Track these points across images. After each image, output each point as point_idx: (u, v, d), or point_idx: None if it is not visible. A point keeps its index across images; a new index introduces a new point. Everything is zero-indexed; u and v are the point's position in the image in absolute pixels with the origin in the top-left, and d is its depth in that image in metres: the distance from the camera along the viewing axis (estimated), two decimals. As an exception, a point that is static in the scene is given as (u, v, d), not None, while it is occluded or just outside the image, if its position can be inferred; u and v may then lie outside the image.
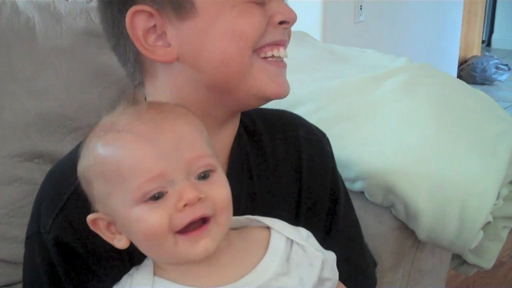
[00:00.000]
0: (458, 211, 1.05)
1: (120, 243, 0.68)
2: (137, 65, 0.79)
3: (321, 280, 0.73)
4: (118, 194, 0.64)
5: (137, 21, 0.74)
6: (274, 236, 0.71)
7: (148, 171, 0.63)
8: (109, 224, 0.68)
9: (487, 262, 1.24)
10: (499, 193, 1.08)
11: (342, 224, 0.93)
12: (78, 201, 0.72)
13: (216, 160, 0.67)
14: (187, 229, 0.64)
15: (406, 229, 1.13)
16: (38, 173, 1.16)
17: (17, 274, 1.11)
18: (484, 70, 4.47)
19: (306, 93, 1.22)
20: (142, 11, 0.74)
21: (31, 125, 1.16)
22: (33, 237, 0.77)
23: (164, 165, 0.63)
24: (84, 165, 0.68)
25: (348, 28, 2.72)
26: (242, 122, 0.87)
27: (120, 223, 0.67)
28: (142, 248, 0.67)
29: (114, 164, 0.64)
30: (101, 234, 0.69)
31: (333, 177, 0.93)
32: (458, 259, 1.28)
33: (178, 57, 0.75)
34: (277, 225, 0.73)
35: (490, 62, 4.52)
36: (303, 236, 0.74)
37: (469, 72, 4.44)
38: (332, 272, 0.75)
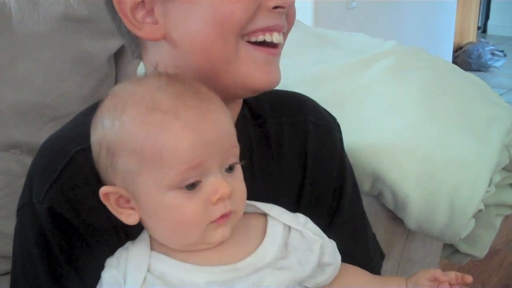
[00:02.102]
0: (448, 199, 1.03)
1: (130, 218, 0.68)
2: (131, 40, 0.79)
3: (321, 265, 0.73)
4: (151, 175, 0.64)
5: None
6: (271, 222, 0.72)
7: (191, 159, 0.64)
8: (120, 197, 0.67)
9: (480, 251, 1.23)
10: (491, 180, 1.06)
11: (346, 215, 0.91)
12: (73, 172, 0.71)
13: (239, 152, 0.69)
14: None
15: (395, 218, 1.11)
16: (15, 164, 1.14)
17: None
18: (479, 56, 4.46)
19: (292, 78, 1.19)
20: None
21: (8, 114, 1.14)
22: (25, 207, 0.74)
23: (205, 155, 0.64)
24: (112, 135, 0.66)
25: (340, 14, 2.70)
26: (248, 104, 0.86)
27: (143, 202, 0.66)
28: (163, 232, 0.68)
29: (156, 147, 0.64)
30: (109, 207, 0.68)
31: (340, 165, 0.91)
32: (451, 248, 1.27)
33: (165, 35, 0.74)
34: (273, 211, 0.73)
35: (486, 49, 4.51)
36: (300, 221, 0.74)
37: (465, 58, 4.43)
38: (333, 258, 0.75)
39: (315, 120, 0.90)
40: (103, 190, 0.67)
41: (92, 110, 0.71)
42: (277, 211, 0.73)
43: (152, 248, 0.69)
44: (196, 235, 0.66)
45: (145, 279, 0.66)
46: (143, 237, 0.70)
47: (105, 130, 0.67)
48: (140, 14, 0.74)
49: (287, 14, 0.77)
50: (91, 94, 1.22)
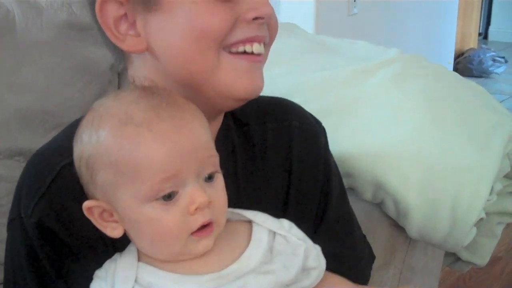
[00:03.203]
0: (450, 207, 1.03)
1: (115, 232, 0.68)
2: (117, 52, 0.79)
3: (306, 269, 0.73)
4: (128, 188, 0.65)
5: (108, 9, 0.74)
6: (256, 229, 0.72)
7: (165, 170, 0.64)
8: (104, 211, 0.68)
9: (482, 258, 1.22)
10: (492, 188, 1.06)
11: (333, 216, 0.91)
12: (61, 185, 0.72)
13: (218, 161, 0.69)
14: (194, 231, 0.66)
15: (396, 226, 1.11)
16: (19, 171, 1.12)
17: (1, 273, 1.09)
18: (480, 62, 4.46)
19: (293, 85, 1.19)
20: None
21: (11, 121, 1.14)
22: (14, 221, 0.75)
23: (180, 165, 0.64)
24: (89, 151, 0.67)
25: (342, 21, 2.70)
26: (231, 113, 0.85)
27: (124, 215, 0.67)
28: (143, 244, 0.68)
29: (131, 160, 0.64)
30: (94, 222, 0.68)
31: (326, 168, 0.91)
32: (452, 256, 1.26)
33: (147, 48, 0.74)
34: (258, 218, 0.73)
35: (487, 55, 4.51)
36: (285, 227, 0.74)
37: (466, 64, 4.43)
38: (317, 261, 0.75)
39: (300, 125, 0.90)
40: (86, 204, 0.68)
41: (75, 125, 0.72)
42: (262, 218, 0.73)
43: (139, 259, 0.69)
44: (177, 246, 0.66)
45: None
46: (131, 248, 0.71)
47: (83, 145, 0.67)
48: (123, 27, 0.74)
49: (268, 25, 0.76)
50: (93, 101, 1.20)
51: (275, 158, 0.88)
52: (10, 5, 1.19)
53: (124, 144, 0.64)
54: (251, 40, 0.74)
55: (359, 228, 0.96)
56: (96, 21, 0.77)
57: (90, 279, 0.71)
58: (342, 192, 0.94)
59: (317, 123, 0.94)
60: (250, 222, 0.73)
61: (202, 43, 0.72)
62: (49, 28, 1.20)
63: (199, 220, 0.65)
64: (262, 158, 0.87)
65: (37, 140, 1.15)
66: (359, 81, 1.19)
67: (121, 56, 0.79)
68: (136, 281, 0.67)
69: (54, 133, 1.16)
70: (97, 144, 0.66)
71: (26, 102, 1.15)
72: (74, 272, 0.73)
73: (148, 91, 0.69)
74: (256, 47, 0.75)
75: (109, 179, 0.66)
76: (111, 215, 0.68)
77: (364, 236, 0.97)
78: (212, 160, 0.67)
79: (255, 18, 0.73)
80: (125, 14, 0.74)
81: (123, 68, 0.82)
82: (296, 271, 0.71)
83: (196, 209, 0.64)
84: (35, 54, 1.17)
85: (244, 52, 0.75)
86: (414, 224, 1.06)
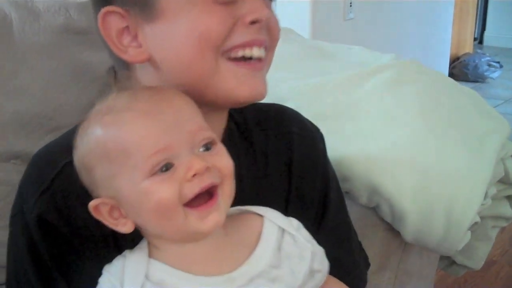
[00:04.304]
0: (444, 212, 1.03)
1: (125, 227, 0.68)
2: (121, 63, 0.80)
3: (311, 272, 0.73)
4: (124, 173, 0.65)
5: (110, 22, 0.75)
6: (267, 224, 0.72)
7: (154, 144, 0.64)
8: (112, 209, 0.68)
9: (477, 262, 1.23)
10: (487, 192, 1.06)
11: (332, 221, 0.91)
12: (63, 182, 0.73)
13: (214, 134, 0.68)
14: (196, 203, 0.65)
15: (392, 230, 1.11)
16: (15, 174, 1.13)
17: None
18: (476, 67, 4.47)
19: (290, 90, 1.20)
20: (113, 12, 0.75)
21: (8, 125, 1.14)
22: (16, 217, 0.76)
23: (168, 138, 0.64)
24: (83, 152, 0.68)
25: (338, 26, 2.71)
26: (232, 118, 0.86)
27: (127, 202, 0.66)
28: (151, 224, 0.67)
29: (118, 143, 0.65)
30: (103, 221, 0.69)
31: (324, 174, 0.92)
32: (447, 260, 1.27)
33: (149, 58, 0.75)
34: (269, 213, 0.74)
35: (482, 60, 4.53)
36: (294, 226, 0.74)
37: (461, 69, 4.45)
38: (322, 264, 0.75)
39: (299, 131, 0.91)
40: (92, 204, 0.68)
41: (78, 126, 0.73)
42: (273, 214, 0.74)
43: (150, 256, 0.69)
44: (179, 220, 0.64)
45: (143, 286, 0.67)
46: (142, 245, 0.71)
47: (79, 150, 0.69)
48: (126, 39, 0.76)
49: (268, 28, 0.77)
50: (90, 105, 1.21)
51: (276, 163, 0.88)
52: (7, 9, 1.19)
53: (108, 130, 0.66)
54: (250, 44, 0.74)
55: (356, 234, 0.97)
56: (97, 29, 0.78)
57: (91, 275, 0.70)
58: (341, 198, 0.95)
59: (316, 129, 0.94)
60: (261, 217, 0.73)
61: (202, 45, 0.72)
62: (46, 32, 1.20)
63: (197, 186, 0.64)
64: (264, 163, 0.88)
65: (33, 143, 1.16)
66: (354, 86, 1.20)
67: (125, 67, 0.80)
68: (146, 277, 0.67)
69: (50, 137, 1.16)
70: (87, 142, 0.67)
71: (22, 105, 1.15)
72: (75, 267, 0.74)
73: (146, 87, 0.71)
74: (256, 51, 0.75)
75: (105, 171, 0.66)
76: (120, 212, 0.68)
77: (360, 243, 0.98)
78: (203, 133, 0.67)
79: (253, 22, 0.74)
80: (127, 27, 0.75)
81: (125, 78, 0.83)
82: (303, 276, 0.71)
83: (194, 175, 0.63)
84: (32, 58, 1.17)
85: (243, 59, 0.75)
86: (409, 228, 1.06)
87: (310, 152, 0.91)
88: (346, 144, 1.07)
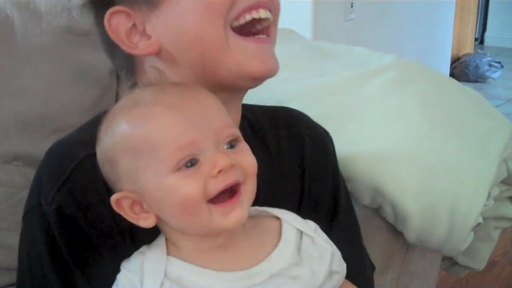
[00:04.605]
0: (448, 212, 1.03)
1: (147, 222, 0.68)
2: (130, 68, 0.82)
3: (330, 273, 0.73)
4: (149, 167, 0.65)
5: (117, 22, 0.77)
6: (285, 226, 0.72)
7: (180, 139, 0.64)
8: (134, 203, 0.68)
9: (479, 263, 1.23)
10: (489, 193, 1.06)
11: (342, 223, 0.92)
12: (82, 175, 0.73)
13: (239, 132, 0.69)
14: (218, 200, 0.65)
15: (395, 231, 1.11)
16: (18, 176, 1.14)
17: (1, 278, 1.09)
18: (477, 67, 4.47)
19: (292, 91, 1.20)
20: (118, 11, 0.76)
21: (10, 126, 1.14)
22: (33, 209, 0.76)
23: (194, 134, 0.64)
24: (107, 145, 0.68)
25: (339, 26, 2.70)
26: (246, 118, 0.87)
27: (150, 196, 0.66)
28: (175, 219, 0.67)
29: (145, 137, 0.65)
30: (124, 215, 0.69)
31: (335, 176, 0.93)
32: (449, 260, 1.27)
33: (159, 47, 0.76)
34: (287, 216, 0.74)
35: (483, 60, 4.53)
36: (311, 228, 0.74)
37: (462, 69, 4.45)
38: (340, 266, 0.75)
39: (310, 133, 0.92)
40: (114, 197, 0.68)
41: (95, 120, 0.74)
42: (290, 216, 0.74)
43: (168, 253, 0.69)
44: (203, 216, 0.64)
45: (162, 283, 0.66)
46: (159, 242, 0.71)
47: (102, 143, 0.69)
48: (135, 37, 0.77)
49: (271, 6, 0.78)
50: (92, 106, 1.22)
51: (289, 164, 0.89)
52: (10, 10, 1.19)
53: (135, 124, 0.66)
54: (255, 7, 0.76)
55: (362, 237, 0.97)
56: (105, 43, 0.81)
57: (108, 270, 0.71)
58: (349, 200, 0.96)
59: (325, 132, 0.96)
60: (278, 219, 0.73)
61: (210, 13, 0.74)
62: (48, 33, 1.20)
63: (221, 183, 0.64)
64: (278, 163, 0.88)
65: (36, 145, 1.16)
66: (357, 87, 1.20)
67: (132, 67, 0.82)
68: (165, 274, 0.67)
69: (53, 138, 1.16)
70: (113, 135, 0.67)
71: (25, 107, 1.15)
72: (93, 261, 0.74)
73: (171, 83, 0.71)
74: (263, 13, 0.76)
75: (130, 164, 0.66)
76: (141, 206, 0.68)
77: (365, 248, 0.98)
78: (229, 130, 0.67)
79: None
80: (134, 25, 0.76)
81: (131, 85, 0.84)
82: (323, 277, 0.71)
83: (219, 172, 0.63)
84: (35, 59, 1.17)
85: (252, 34, 0.76)
86: (412, 229, 1.06)
87: (321, 153, 0.92)
88: (348, 145, 1.07)
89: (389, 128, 1.11)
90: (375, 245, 1.05)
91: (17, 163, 1.14)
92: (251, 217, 0.71)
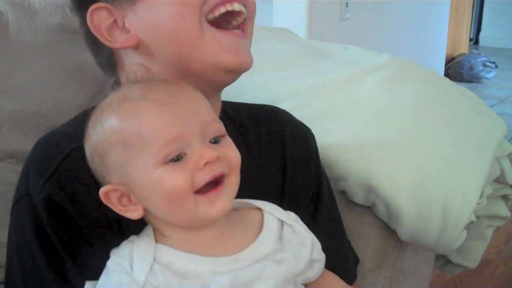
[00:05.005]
0: (441, 210, 1.03)
1: (134, 213, 0.70)
2: (111, 65, 0.85)
3: (311, 261, 0.77)
4: (138, 160, 0.67)
5: (99, 18, 0.80)
6: (267, 216, 0.76)
7: (169, 133, 0.66)
8: (122, 196, 0.70)
9: (472, 261, 1.23)
10: (482, 191, 1.06)
11: (324, 216, 0.94)
12: (69, 167, 0.75)
13: (223, 127, 0.72)
14: (204, 190, 0.67)
15: (388, 229, 1.11)
16: (12, 173, 1.14)
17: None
18: (471, 67, 4.49)
19: (287, 90, 1.20)
20: (99, 8, 0.79)
21: (4, 124, 1.14)
22: (22, 200, 0.77)
23: (182, 127, 0.67)
24: (96, 139, 0.70)
25: (334, 26, 2.71)
26: (227, 114, 0.89)
27: (139, 188, 0.69)
28: (162, 211, 0.69)
29: (134, 131, 0.67)
30: (112, 207, 0.71)
31: (317, 171, 0.95)
32: (443, 259, 1.27)
33: (137, 41, 0.79)
34: (268, 207, 0.77)
35: (478, 60, 4.54)
36: (292, 218, 0.78)
37: (457, 69, 4.46)
38: (320, 254, 0.78)
39: (291, 129, 0.95)
40: (102, 190, 0.70)
41: (83, 114, 0.76)
42: (271, 207, 0.77)
43: (156, 241, 0.71)
44: (189, 207, 0.67)
45: (152, 267, 0.68)
46: (147, 232, 0.73)
47: (91, 137, 0.71)
48: (116, 32, 0.80)
49: (245, 3, 0.81)
50: (87, 104, 1.22)
51: (270, 158, 0.91)
52: (4, 8, 1.19)
53: (125, 118, 0.68)
54: (229, 1, 0.78)
55: (345, 231, 1.00)
56: (84, 29, 0.84)
57: (97, 259, 0.72)
58: (331, 194, 0.98)
59: (307, 129, 0.98)
60: (260, 210, 0.77)
61: (183, 11, 0.76)
62: (42, 31, 1.20)
63: (208, 174, 0.67)
64: (259, 157, 0.90)
65: (30, 142, 1.14)
66: (351, 85, 1.20)
67: (113, 62, 0.84)
68: (154, 259, 0.69)
69: (47, 136, 1.17)
70: (102, 129, 0.69)
71: (19, 105, 1.15)
72: (82, 250, 0.75)
73: (141, 80, 0.74)
74: (237, 6, 0.79)
75: (119, 157, 0.68)
76: (129, 199, 0.70)
77: (349, 241, 1.01)
78: (215, 125, 0.70)
79: None
80: (115, 21, 0.79)
81: (114, 82, 0.86)
82: (305, 261, 0.75)
83: (205, 164, 0.66)
84: (29, 57, 1.17)
85: (228, 19, 0.79)
86: (405, 227, 1.06)
87: (302, 148, 0.94)
88: (342, 143, 1.07)
89: (383, 126, 1.11)
90: (368, 242, 1.05)
91: (11, 161, 1.14)
92: (234, 209, 0.74)
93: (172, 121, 0.67)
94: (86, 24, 0.81)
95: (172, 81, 0.74)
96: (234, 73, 0.81)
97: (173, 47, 0.78)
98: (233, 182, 0.70)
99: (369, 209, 1.12)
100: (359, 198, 1.10)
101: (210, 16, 0.78)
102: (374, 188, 1.06)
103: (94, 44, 0.84)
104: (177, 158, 0.67)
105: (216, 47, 0.78)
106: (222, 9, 0.78)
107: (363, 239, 1.09)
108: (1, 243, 1.05)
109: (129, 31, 0.79)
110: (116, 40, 0.80)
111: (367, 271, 1.10)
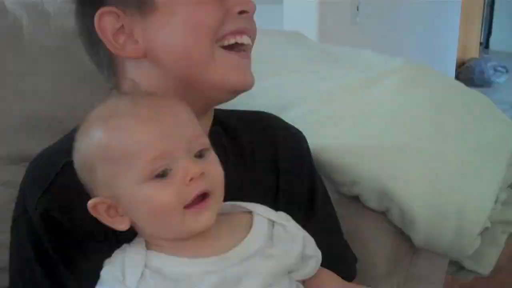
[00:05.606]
0: (455, 216, 1.03)
1: (121, 225, 0.72)
2: (110, 68, 0.85)
3: (305, 258, 0.78)
4: (124, 175, 0.69)
5: (106, 23, 0.80)
6: (256, 219, 0.77)
7: (153, 150, 0.68)
8: (109, 208, 0.71)
9: (485, 268, 1.22)
10: (497, 197, 1.06)
11: (320, 214, 0.96)
12: (63, 182, 0.76)
13: (208, 141, 0.73)
14: (190, 205, 0.69)
15: (402, 234, 1.11)
16: (25, 177, 1.14)
17: (7, 279, 1.09)
18: (482, 72, 4.47)
19: (299, 94, 1.20)
20: (109, 12, 0.80)
21: (18, 127, 1.14)
22: (20, 218, 0.79)
23: (167, 144, 0.68)
24: (84, 153, 0.71)
25: (345, 29, 2.71)
26: (219, 122, 0.91)
27: (125, 203, 0.70)
28: (148, 225, 0.71)
29: (120, 147, 0.68)
30: (100, 218, 0.72)
31: (310, 172, 0.97)
32: (456, 265, 1.26)
33: (145, 53, 0.80)
34: (258, 208, 0.78)
35: (488, 64, 4.52)
36: (283, 217, 0.79)
37: (467, 74, 4.44)
38: (315, 251, 0.80)
39: (282, 132, 0.97)
40: (90, 203, 0.71)
41: (74, 130, 0.76)
42: (261, 209, 0.79)
43: (147, 248, 0.73)
44: (177, 221, 0.69)
45: (143, 274, 0.70)
46: (139, 239, 0.75)
47: (80, 152, 0.72)
48: (121, 39, 0.81)
49: (252, 35, 0.84)
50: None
51: (263, 160, 0.93)
52: (18, 12, 1.20)
53: (111, 134, 0.69)
54: (240, 32, 0.82)
55: (342, 231, 1.01)
56: (84, 38, 0.86)
57: (95, 270, 0.73)
58: (325, 192, 1.00)
59: (298, 131, 1.00)
60: (250, 213, 0.78)
61: (199, 33, 0.79)
62: (56, 35, 1.20)
63: (194, 190, 0.68)
64: (252, 160, 0.92)
65: (43, 146, 1.15)
66: (365, 90, 1.20)
67: (115, 70, 0.85)
68: (145, 266, 0.71)
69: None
70: (90, 144, 0.71)
71: (33, 108, 1.15)
72: (79, 262, 0.76)
73: (129, 92, 0.76)
74: (246, 39, 0.82)
75: (107, 172, 0.70)
76: (116, 210, 0.71)
77: (346, 241, 1.01)
78: (200, 139, 0.71)
79: (241, 12, 0.81)
80: (122, 26, 0.80)
81: (113, 87, 0.87)
82: (296, 256, 0.76)
83: (190, 180, 0.68)
84: (43, 61, 1.18)
85: (235, 45, 0.81)
86: (420, 233, 1.06)
87: (294, 149, 0.97)
88: (356, 147, 1.07)
89: (397, 131, 1.11)
90: (381, 248, 1.05)
91: (24, 164, 1.13)
92: (225, 212, 0.75)
93: (158, 137, 0.68)
94: (86, 23, 0.82)
95: (159, 96, 0.75)
96: (238, 93, 0.84)
97: (181, 67, 0.80)
98: (217, 196, 0.71)
99: (383, 214, 1.11)
100: (373, 203, 1.09)
101: (220, 43, 0.81)
102: (388, 193, 1.06)
103: (92, 43, 0.85)
104: (163, 174, 0.68)
105: (226, 67, 0.81)
106: (232, 40, 0.81)
107: (377, 245, 1.09)
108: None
109: (137, 41, 0.80)
110: (123, 48, 0.81)
111: (380, 277, 1.09)
